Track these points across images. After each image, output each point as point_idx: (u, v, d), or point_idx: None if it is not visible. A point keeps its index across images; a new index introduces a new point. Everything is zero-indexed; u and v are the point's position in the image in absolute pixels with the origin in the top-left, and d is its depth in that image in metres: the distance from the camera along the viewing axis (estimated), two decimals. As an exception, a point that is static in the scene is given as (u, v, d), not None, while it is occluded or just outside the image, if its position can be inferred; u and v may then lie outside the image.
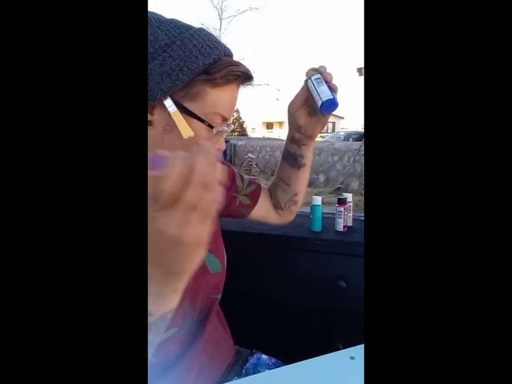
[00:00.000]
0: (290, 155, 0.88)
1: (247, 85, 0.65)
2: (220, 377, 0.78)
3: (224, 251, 0.81)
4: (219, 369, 0.79)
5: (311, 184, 7.75)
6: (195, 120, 0.59)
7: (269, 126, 37.22)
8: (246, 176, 0.92)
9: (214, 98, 0.59)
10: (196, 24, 0.66)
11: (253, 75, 0.64)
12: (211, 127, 0.60)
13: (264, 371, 0.82)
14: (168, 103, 0.57)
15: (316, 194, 1.40)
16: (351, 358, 0.73)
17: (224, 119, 0.62)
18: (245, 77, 0.62)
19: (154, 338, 0.45)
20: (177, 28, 0.59)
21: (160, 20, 0.60)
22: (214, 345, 0.78)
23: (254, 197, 0.91)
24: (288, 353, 0.84)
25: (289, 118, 0.83)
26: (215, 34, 0.66)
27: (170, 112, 0.57)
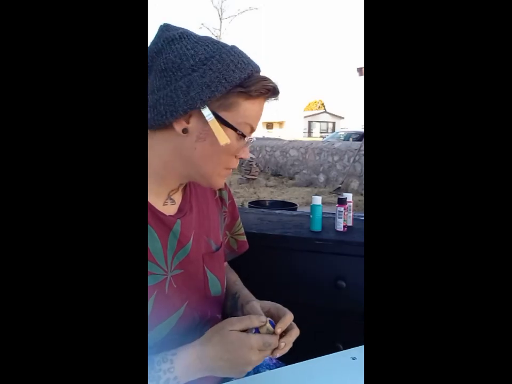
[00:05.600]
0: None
1: (273, 99, 0.68)
2: (220, 378, 0.78)
3: (225, 277, 0.82)
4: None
5: (311, 184, 7.74)
6: (228, 129, 0.63)
7: (269, 126, 37.16)
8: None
9: (245, 109, 0.64)
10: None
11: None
12: (243, 136, 0.64)
13: (265, 371, 0.82)
14: (206, 112, 0.61)
15: (316, 194, 1.40)
16: (353, 359, 0.73)
17: (252, 130, 0.67)
18: (273, 91, 0.66)
19: None
20: (214, 44, 0.64)
21: (196, 36, 0.65)
22: None
23: (241, 246, 0.92)
24: (288, 353, 0.84)
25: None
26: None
27: (208, 120, 0.61)
